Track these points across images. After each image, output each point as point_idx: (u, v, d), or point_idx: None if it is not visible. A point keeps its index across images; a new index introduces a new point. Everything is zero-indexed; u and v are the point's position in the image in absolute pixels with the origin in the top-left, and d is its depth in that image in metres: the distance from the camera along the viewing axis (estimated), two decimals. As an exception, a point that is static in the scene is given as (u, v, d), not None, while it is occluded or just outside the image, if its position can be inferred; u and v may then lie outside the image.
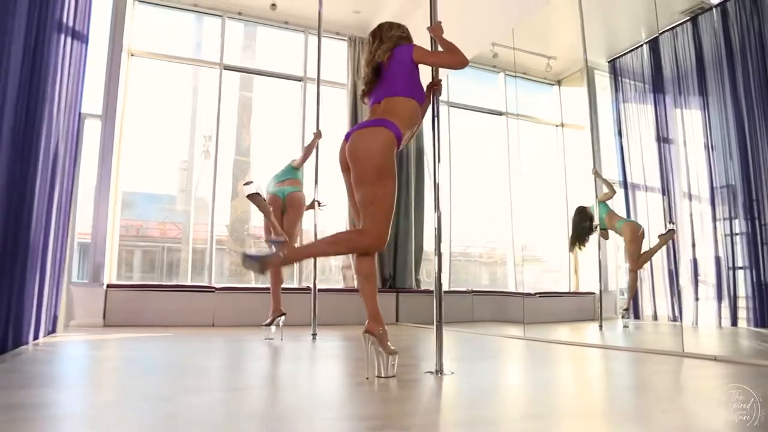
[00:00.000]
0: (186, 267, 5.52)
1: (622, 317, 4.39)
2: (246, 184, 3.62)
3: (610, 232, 4.59)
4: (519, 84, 5.95)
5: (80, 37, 3.86)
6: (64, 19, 3.43)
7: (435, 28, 2.40)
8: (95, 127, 4.86)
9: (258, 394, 1.85)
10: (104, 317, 4.57)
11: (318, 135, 4.16)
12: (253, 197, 3.55)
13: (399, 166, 6.11)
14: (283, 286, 3.99)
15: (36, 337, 3.19)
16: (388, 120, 2.14)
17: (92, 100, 4.75)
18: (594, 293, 4.63)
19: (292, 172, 4.10)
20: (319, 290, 4.18)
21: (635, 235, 4.35)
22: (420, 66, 2.30)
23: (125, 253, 5.45)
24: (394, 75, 2.23)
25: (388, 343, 2.05)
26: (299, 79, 6.19)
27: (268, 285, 3.91)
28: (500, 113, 6.34)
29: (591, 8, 4.73)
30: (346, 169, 2.27)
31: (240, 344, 3.48)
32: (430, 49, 2.39)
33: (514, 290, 5.94)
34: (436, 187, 2.32)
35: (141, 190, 5.73)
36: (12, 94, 2.54)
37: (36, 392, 1.76)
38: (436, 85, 2.37)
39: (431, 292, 6.28)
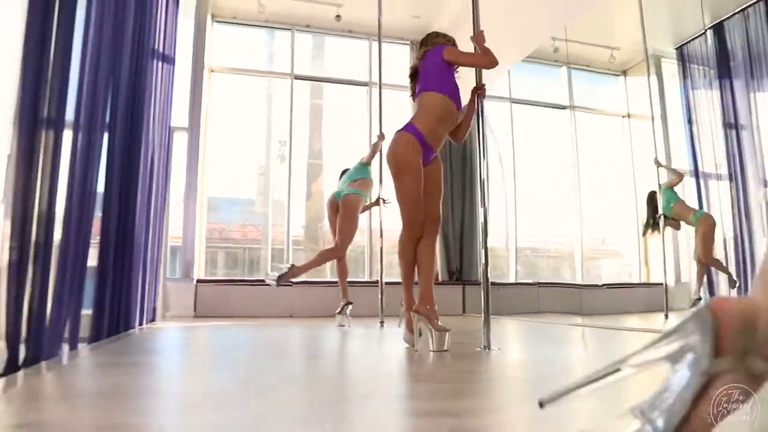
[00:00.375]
0: (265, 264, 5.98)
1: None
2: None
3: (681, 223, 4.56)
4: (583, 76, 5.99)
5: (168, 60, 4.36)
6: (157, 47, 3.91)
7: (478, 37, 2.63)
8: (182, 139, 5.40)
9: (329, 363, 2.15)
10: (195, 309, 5.10)
11: (381, 137, 4.44)
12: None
13: (463, 164, 6.32)
14: (357, 279, 4.35)
15: (140, 324, 3.68)
16: (409, 124, 2.45)
17: (179, 114, 5.29)
18: (663, 284, 4.63)
19: (363, 170, 4.40)
20: (387, 283, 4.47)
21: (712, 228, 4.30)
22: (462, 69, 2.55)
23: (210, 253, 5.99)
24: (426, 74, 2.51)
25: (438, 321, 2.30)
26: (365, 84, 6.52)
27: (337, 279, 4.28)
28: (564, 107, 6.37)
29: None
30: None
31: (315, 330, 3.83)
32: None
33: (580, 282, 5.97)
34: (482, 183, 2.54)
35: (223, 195, 6.26)
36: (122, 113, 2.99)
37: (147, 357, 2.16)
38: (479, 89, 2.60)
39: (495, 284, 6.43)
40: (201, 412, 1.22)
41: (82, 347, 2.46)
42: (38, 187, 1.98)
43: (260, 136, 6.32)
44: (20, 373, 1.74)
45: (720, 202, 4.33)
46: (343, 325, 3.98)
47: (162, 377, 1.85)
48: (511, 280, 6.46)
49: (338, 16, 5.98)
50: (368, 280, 6.01)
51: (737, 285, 3.94)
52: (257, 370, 1.92)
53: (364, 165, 4.41)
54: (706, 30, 4.44)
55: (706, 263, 4.25)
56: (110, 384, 1.62)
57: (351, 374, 1.93)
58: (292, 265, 4.03)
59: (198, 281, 5.23)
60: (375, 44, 6.44)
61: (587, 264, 6.06)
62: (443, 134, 2.59)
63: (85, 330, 2.61)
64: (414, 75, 2.67)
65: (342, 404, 1.32)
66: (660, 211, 4.52)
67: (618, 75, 5.91)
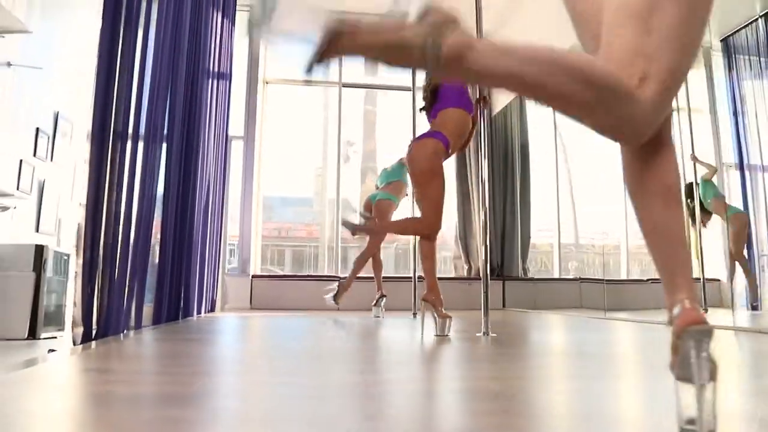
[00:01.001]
0: (323, 261, 6.44)
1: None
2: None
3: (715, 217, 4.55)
4: None
5: (224, 76, 4.83)
6: (212, 65, 4.38)
7: None
8: (239, 147, 5.90)
9: (361, 344, 2.48)
10: (250, 301, 5.57)
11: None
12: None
13: (504, 164, 6.47)
14: (395, 274, 4.63)
15: (199, 312, 4.14)
16: (438, 132, 2.65)
17: (237, 124, 5.78)
18: (719, 280, 4.62)
19: (399, 171, 4.64)
20: (419, 277, 4.75)
21: (745, 226, 4.30)
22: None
23: (271, 251, 6.50)
24: (446, 94, 2.74)
25: (442, 308, 2.56)
26: (408, 89, 6.80)
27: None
28: None
29: None
30: None
31: (355, 320, 4.17)
32: None
33: (625, 278, 6.00)
34: (482, 183, 2.77)
35: (280, 194, 6.75)
36: (179, 125, 3.44)
37: (204, 335, 2.56)
38: (483, 101, 2.82)
39: (536, 279, 6.53)
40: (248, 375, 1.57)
41: (145, 330, 2.90)
42: (106, 192, 2.42)
43: (316, 141, 6.77)
44: (92, 343, 2.16)
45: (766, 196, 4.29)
46: (378, 317, 4.28)
47: (208, 346, 2.23)
48: (556, 275, 6.56)
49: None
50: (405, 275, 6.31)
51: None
52: (292, 347, 2.27)
53: (402, 165, 4.64)
54: (757, 19, 4.41)
55: (735, 259, 4.26)
56: (159, 349, 2.01)
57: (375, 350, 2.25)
58: (339, 283, 4.41)
59: (253, 276, 5.70)
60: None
61: (633, 259, 6.08)
62: (458, 146, 2.81)
63: (148, 318, 3.07)
64: (432, 95, 2.83)
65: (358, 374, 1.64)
66: (696, 202, 4.51)
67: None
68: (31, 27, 3.73)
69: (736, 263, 4.22)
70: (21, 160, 4.03)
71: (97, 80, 2.42)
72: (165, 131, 3.23)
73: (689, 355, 0.77)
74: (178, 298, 3.57)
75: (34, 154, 4.24)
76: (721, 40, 4.71)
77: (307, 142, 6.77)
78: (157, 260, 3.24)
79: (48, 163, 4.43)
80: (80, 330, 2.14)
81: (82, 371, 1.54)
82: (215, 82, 4.45)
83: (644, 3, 0.84)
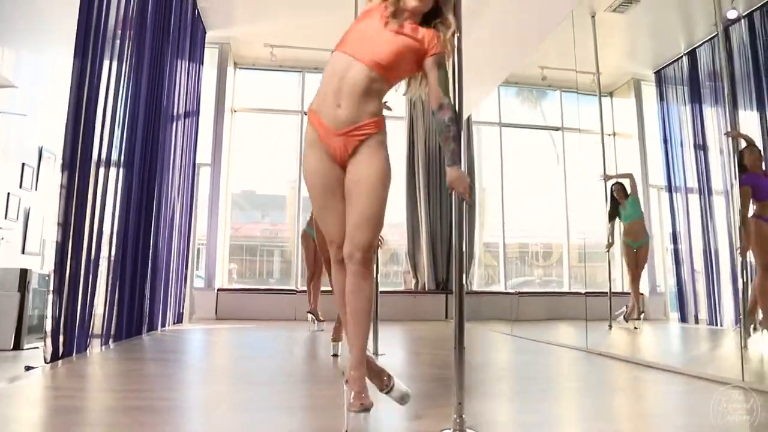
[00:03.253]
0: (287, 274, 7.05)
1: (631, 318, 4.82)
2: None
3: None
4: (569, 98, 6.64)
5: (191, 113, 5.47)
6: (179, 110, 5.02)
7: None
8: (207, 173, 6.54)
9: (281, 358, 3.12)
10: (216, 312, 6.22)
11: None
12: None
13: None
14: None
15: (164, 326, 4.78)
16: None
17: (204, 151, 6.42)
18: (643, 294, 5.14)
19: None
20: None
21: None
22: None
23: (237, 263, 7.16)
24: None
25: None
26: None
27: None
28: (557, 128, 7.02)
29: (637, 22, 5.27)
30: None
31: (291, 332, 4.81)
32: None
33: (566, 290, 6.60)
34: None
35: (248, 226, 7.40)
36: (140, 153, 4.04)
37: (156, 354, 3.18)
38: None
39: (478, 292, 7.12)
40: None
41: (107, 348, 3.54)
42: (73, 214, 3.03)
43: (280, 167, 7.39)
44: (58, 362, 2.80)
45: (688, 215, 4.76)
46: (321, 330, 4.91)
47: (155, 364, 2.86)
48: (501, 289, 7.20)
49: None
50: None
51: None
52: (238, 355, 2.91)
53: None
54: (682, 56, 5.00)
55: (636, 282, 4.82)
56: (113, 369, 2.64)
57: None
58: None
59: (219, 290, 6.34)
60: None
61: (575, 271, 6.71)
62: None
63: (116, 329, 3.70)
64: None
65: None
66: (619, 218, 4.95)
67: (605, 96, 6.51)
68: (17, 82, 4.35)
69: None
70: (8, 193, 4.65)
71: (67, 114, 3.03)
72: (128, 159, 3.84)
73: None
74: (141, 313, 4.20)
75: (20, 186, 4.86)
76: (654, 72, 5.29)
77: (272, 168, 7.43)
78: (117, 278, 3.86)
79: (33, 192, 5.05)
80: (50, 348, 2.77)
81: (45, 388, 2.18)
82: (182, 122, 5.10)
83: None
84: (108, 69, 3.31)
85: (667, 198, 4.99)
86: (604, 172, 5.22)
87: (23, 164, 4.86)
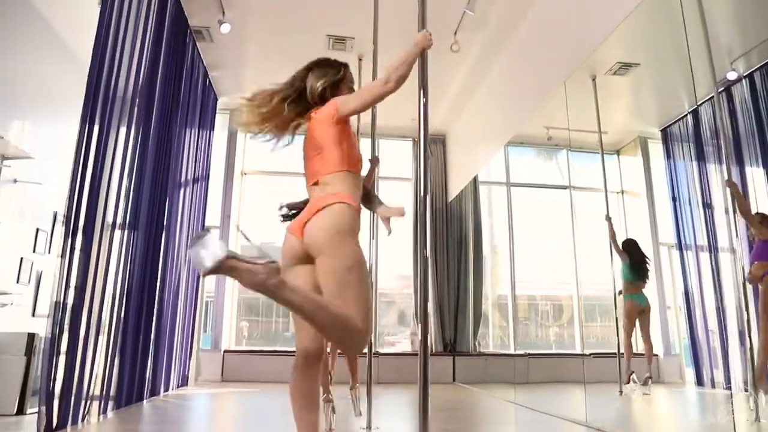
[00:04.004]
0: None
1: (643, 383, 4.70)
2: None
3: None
4: (576, 157, 6.71)
5: (202, 178, 5.66)
6: (188, 175, 5.20)
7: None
8: (216, 234, 6.67)
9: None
10: (222, 375, 6.19)
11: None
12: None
13: (459, 245, 7.12)
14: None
15: (167, 390, 4.78)
16: None
17: (214, 212, 6.58)
18: (657, 355, 5.06)
19: None
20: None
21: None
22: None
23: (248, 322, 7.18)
24: None
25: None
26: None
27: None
28: (564, 187, 7.06)
29: (641, 82, 5.39)
30: None
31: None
32: None
33: (579, 351, 6.48)
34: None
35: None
36: (152, 217, 4.18)
37: (160, 425, 3.19)
38: (376, 160, 3.46)
39: (486, 354, 7.04)
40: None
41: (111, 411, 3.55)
42: (72, 279, 3.11)
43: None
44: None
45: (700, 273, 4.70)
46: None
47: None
48: (511, 351, 7.08)
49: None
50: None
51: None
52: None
53: None
54: (687, 114, 5.07)
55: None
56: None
57: None
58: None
59: (225, 351, 6.35)
60: (382, 141, 7.59)
61: (586, 331, 6.59)
62: None
63: (116, 394, 3.73)
64: None
65: None
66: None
67: (612, 154, 6.57)
68: (33, 153, 4.57)
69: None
70: (21, 258, 4.79)
71: (71, 181, 3.16)
72: (133, 222, 3.96)
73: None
74: (143, 377, 4.23)
75: (34, 250, 5.00)
76: (660, 130, 5.36)
77: (282, 229, 7.55)
78: (118, 341, 3.91)
79: (46, 255, 5.19)
80: (44, 419, 2.79)
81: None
82: (191, 180, 5.28)
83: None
84: (115, 136, 3.48)
85: (677, 256, 4.97)
86: (608, 213, 5.20)
87: (37, 229, 5.02)
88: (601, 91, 5.77)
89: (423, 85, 2.06)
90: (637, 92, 5.88)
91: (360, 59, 5.69)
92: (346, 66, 2.07)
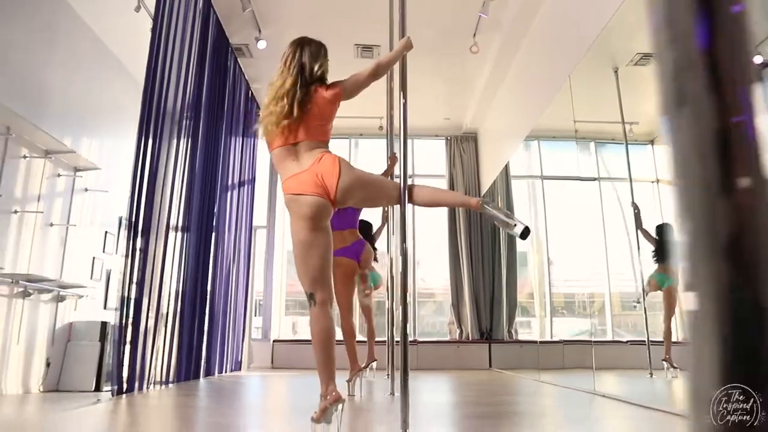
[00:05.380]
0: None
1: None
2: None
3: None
4: (608, 148, 6.90)
5: (247, 182, 6.21)
6: (234, 180, 5.76)
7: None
8: (263, 234, 7.24)
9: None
10: (272, 362, 6.73)
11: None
12: None
13: (492, 236, 7.39)
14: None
15: (221, 372, 5.32)
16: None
17: (261, 214, 7.13)
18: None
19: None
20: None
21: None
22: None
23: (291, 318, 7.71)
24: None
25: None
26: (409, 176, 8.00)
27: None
28: (594, 179, 7.25)
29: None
30: None
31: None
32: None
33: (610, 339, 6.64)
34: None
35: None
36: (204, 220, 4.73)
37: (212, 392, 3.71)
38: (393, 158, 3.90)
39: (520, 341, 7.29)
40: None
41: (164, 387, 4.09)
42: (135, 274, 3.67)
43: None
44: (123, 396, 3.36)
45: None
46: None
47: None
48: (546, 338, 7.28)
49: (380, 126, 7.57)
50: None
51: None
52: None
53: None
54: None
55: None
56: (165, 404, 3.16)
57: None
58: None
59: (274, 341, 6.88)
60: (415, 141, 7.96)
61: (618, 319, 6.75)
62: None
63: (175, 373, 4.28)
64: None
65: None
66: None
67: (646, 144, 6.72)
68: (101, 165, 5.22)
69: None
70: (93, 257, 5.46)
71: (132, 188, 3.72)
72: (185, 225, 4.53)
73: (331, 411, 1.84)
74: (198, 360, 4.77)
75: (103, 251, 5.67)
76: None
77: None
78: (174, 329, 4.47)
79: (114, 255, 5.86)
80: (115, 387, 3.35)
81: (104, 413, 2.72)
82: (236, 184, 5.83)
83: None
84: (167, 147, 4.04)
85: None
86: (633, 200, 5.35)
87: (105, 232, 5.69)
88: (629, 83, 5.95)
89: (403, 87, 2.40)
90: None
91: (387, 65, 6.11)
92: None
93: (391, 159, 4.58)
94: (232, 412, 2.82)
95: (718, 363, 0.26)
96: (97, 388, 4.93)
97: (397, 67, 2.45)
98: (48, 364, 4.72)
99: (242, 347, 6.07)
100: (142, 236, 3.77)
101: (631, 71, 5.85)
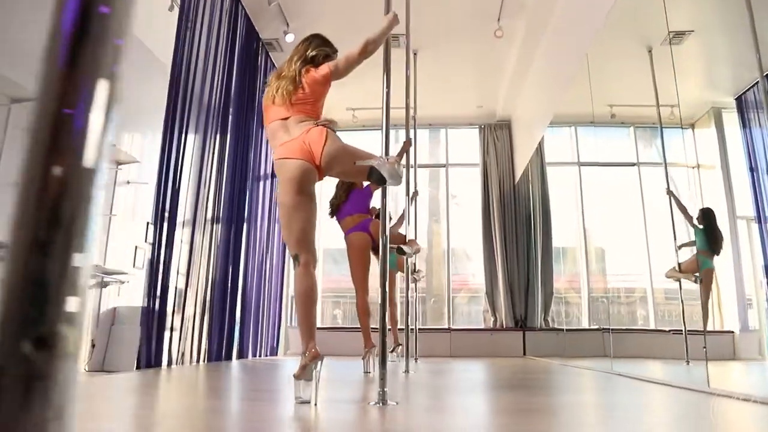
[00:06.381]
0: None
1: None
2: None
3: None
4: (647, 133, 6.71)
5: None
6: (266, 171, 5.94)
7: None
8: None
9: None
10: (308, 348, 6.90)
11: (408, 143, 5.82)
12: None
13: (527, 224, 7.32)
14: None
15: (255, 355, 5.52)
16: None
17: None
18: (733, 332, 5.05)
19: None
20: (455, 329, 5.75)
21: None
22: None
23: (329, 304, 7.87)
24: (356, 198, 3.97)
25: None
26: (443, 166, 8.01)
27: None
28: (632, 164, 7.08)
29: (705, 47, 5.37)
30: None
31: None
32: None
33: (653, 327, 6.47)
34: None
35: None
36: (227, 213, 4.92)
37: (236, 370, 3.89)
38: (409, 142, 3.94)
39: (553, 329, 7.21)
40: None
41: (196, 365, 4.30)
42: (162, 262, 3.88)
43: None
44: (150, 369, 3.57)
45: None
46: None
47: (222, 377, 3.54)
48: (585, 326, 7.15)
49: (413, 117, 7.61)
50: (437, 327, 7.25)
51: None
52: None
53: None
54: (758, 80, 5.01)
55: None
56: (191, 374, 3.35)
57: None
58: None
59: (310, 328, 7.05)
60: (450, 131, 7.96)
61: (660, 308, 6.56)
62: None
63: (207, 353, 4.49)
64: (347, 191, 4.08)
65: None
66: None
67: (686, 128, 6.48)
68: (141, 158, 5.51)
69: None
70: (135, 246, 5.77)
71: (157, 182, 3.94)
72: (214, 217, 4.74)
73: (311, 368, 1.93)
74: (230, 342, 4.98)
75: (145, 240, 5.98)
76: (735, 99, 5.27)
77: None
78: (204, 313, 4.68)
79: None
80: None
81: (129, 379, 2.91)
82: (271, 175, 6.03)
83: None
84: (192, 141, 4.24)
85: (756, 229, 4.86)
86: (668, 185, 5.18)
87: (147, 223, 5.99)
88: (665, 64, 5.74)
89: (387, 73, 2.43)
90: (704, 61, 5.77)
91: (415, 54, 6.15)
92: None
93: (406, 142, 4.69)
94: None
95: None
96: (138, 368, 5.23)
97: (381, 53, 2.48)
98: (93, 346, 5.04)
99: (278, 334, 6.27)
100: (170, 227, 3.98)
101: (667, 51, 5.65)
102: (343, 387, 3.01)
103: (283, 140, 2.20)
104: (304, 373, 1.96)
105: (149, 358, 3.71)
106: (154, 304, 3.80)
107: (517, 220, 7.36)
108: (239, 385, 3.11)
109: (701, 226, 4.99)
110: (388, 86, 2.37)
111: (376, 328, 4.41)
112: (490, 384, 3.20)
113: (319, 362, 1.97)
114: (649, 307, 6.69)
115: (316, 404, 1.91)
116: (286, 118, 2.25)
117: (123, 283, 5.47)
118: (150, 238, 6.05)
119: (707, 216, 5.09)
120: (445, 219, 7.73)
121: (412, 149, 6.18)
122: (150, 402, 2.29)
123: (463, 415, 1.93)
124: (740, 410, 2.09)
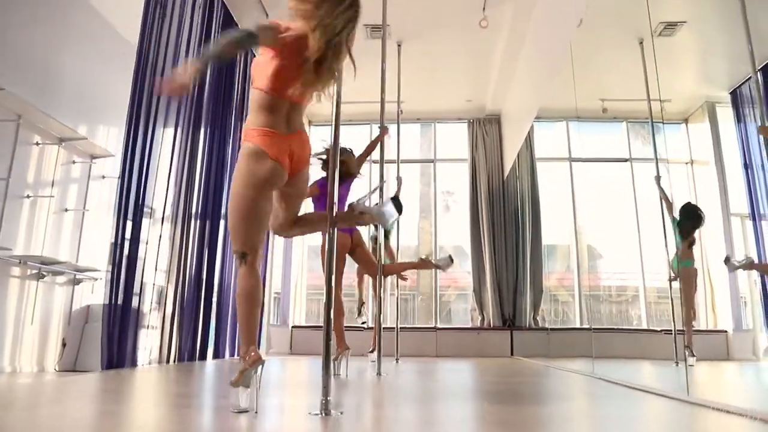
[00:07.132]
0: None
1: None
2: None
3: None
4: (642, 129, 6.54)
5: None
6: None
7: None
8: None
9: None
10: (290, 347, 6.75)
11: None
12: None
13: (516, 221, 7.16)
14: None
15: (232, 355, 5.37)
16: None
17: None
18: (726, 331, 4.88)
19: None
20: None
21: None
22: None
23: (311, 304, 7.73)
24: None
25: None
26: (431, 161, 7.85)
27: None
28: (625, 160, 6.92)
29: (698, 40, 5.20)
30: None
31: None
32: None
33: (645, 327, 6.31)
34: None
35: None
36: (201, 206, 4.77)
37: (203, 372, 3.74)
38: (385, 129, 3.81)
39: (541, 329, 7.06)
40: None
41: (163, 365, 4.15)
42: (124, 260, 3.73)
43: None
44: (112, 371, 3.41)
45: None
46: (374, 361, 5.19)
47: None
48: (576, 325, 7.00)
49: (401, 111, 7.44)
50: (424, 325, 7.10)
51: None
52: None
53: None
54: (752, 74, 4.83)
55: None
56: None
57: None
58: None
59: (293, 327, 6.91)
60: (438, 125, 7.80)
61: (653, 308, 6.41)
62: None
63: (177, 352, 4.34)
64: None
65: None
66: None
67: (680, 123, 6.29)
68: (115, 152, 5.35)
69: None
70: (111, 243, 5.61)
71: (120, 174, 3.80)
72: (186, 212, 4.58)
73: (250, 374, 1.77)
74: (204, 342, 4.83)
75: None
76: (729, 93, 5.10)
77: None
78: (174, 312, 4.53)
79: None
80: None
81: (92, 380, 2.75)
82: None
83: None
84: (161, 134, 4.07)
85: (750, 227, 4.72)
86: (657, 173, 4.99)
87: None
88: (657, 56, 5.56)
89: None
90: (697, 54, 5.59)
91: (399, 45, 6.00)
92: None
93: (382, 129, 4.60)
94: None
95: None
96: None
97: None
98: (64, 345, 4.88)
99: (258, 333, 6.12)
100: (135, 222, 3.84)
101: (660, 43, 5.47)
102: (300, 392, 2.86)
103: (280, 131, 1.99)
104: (243, 379, 1.81)
105: (111, 358, 3.55)
106: (116, 301, 3.64)
107: (506, 217, 7.20)
108: (178, 388, 2.93)
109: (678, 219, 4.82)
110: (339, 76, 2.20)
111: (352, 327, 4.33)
112: (462, 389, 3.05)
113: (260, 367, 1.82)
114: (641, 305, 6.55)
115: (256, 412, 1.76)
116: (299, 104, 2.10)
117: (96, 280, 5.32)
118: (128, 234, 5.90)
119: (685, 210, 4.92)
120: (433, 217, 7.58)
121: (395, 140, 6.04)
122: (52, 408, 2.13)
123: (413, 428, 1.78)
124: (717, 423, 1.93)
